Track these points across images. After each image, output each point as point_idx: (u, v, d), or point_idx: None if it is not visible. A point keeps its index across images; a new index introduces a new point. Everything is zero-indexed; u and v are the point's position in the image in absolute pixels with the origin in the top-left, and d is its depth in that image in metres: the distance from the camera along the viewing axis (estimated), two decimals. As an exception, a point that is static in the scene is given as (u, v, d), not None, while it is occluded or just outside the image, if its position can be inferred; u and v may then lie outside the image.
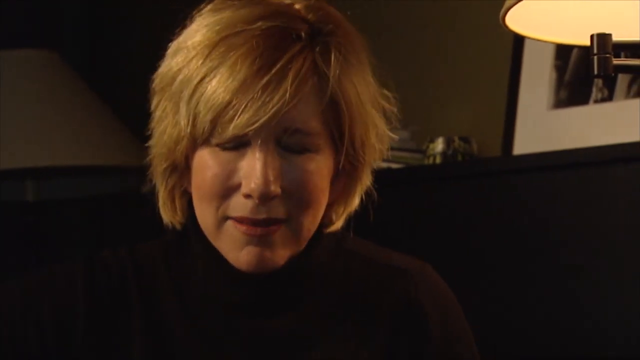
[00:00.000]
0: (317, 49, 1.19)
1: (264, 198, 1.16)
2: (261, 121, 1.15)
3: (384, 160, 2.04)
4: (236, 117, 1.14)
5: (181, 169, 1.23)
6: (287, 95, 1.15)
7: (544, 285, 1.83)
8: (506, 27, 1.21)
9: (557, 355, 1.81)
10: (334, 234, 1.28)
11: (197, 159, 1.19)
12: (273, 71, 1.15)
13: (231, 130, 1.15)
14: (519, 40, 2.06)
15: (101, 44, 3.00)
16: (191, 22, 1.23)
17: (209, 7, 1.23)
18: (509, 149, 2.03)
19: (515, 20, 1.20)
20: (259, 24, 1.18)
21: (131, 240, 1.31)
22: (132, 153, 2.45)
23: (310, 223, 1.21)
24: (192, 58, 1.18)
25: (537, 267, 1.84)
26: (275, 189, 1.17)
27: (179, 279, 1.26)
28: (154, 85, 1.23)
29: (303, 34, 1.18)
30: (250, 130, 1.15)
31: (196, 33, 1.20)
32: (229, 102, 1.15)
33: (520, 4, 1.15)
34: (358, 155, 1.23)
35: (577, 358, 1.79)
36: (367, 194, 1.27)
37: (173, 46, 1.22)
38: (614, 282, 1.75)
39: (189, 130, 1.17)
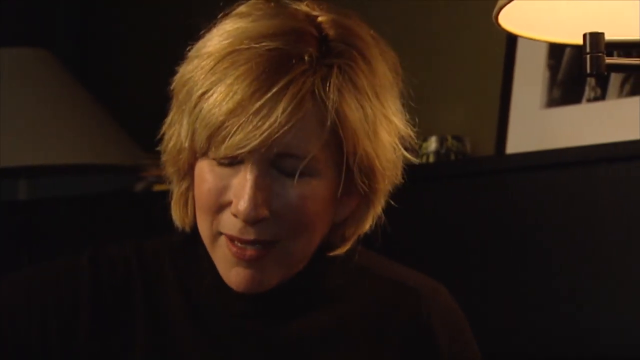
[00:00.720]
0: (319, 73, 1.16)
1: (250, 220, 1.15)
2: (251, 145, 1.13)
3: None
4: (228, 139, 1.13)
5: (190, 176, 1.22)
6: (278, 121, 1.13)
7: (537, 284, 1.83)
8: (499, 26, 1.21)
9: (546, 355, 1.82)
10: (346, 251, 1.26)
11: (197, 170, 1.19)
12: (268, 95, 1.13)
13: (223, 150, 1.14)
14: (512, 40, 2.06)
15: (93, 42, 2.99)
16: (215, 24, 1.21)
17: (235, 10, 1.21)
18: (502, 148, 2.03)
19: (508, 19, 1.20)
20: (264, 43, 1.15)
21: (123, 238, 1.30)
22: (125, 152, 2.45)
23: (305, 246, 1.19)
24: (201, 68, 1.17)
25: (530, 265, 1.84)
26: (262, 212, 1.15)
27: (186, 280, 1.25)
28: (172, 88, 1.22)
29: (306, 57, 1.15)
30: (242, 153, 1.14)
31: (211, 41, 1.19)
32: (223, 123, 1.13)
33: (513, 3, 1.15)
34: (365, 181, 1.19)
35: (567, 358, 1.80)
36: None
37: (193, 50, 1.21)
38: (606, 281, 1.76)
39: (187, 144, 1.17)
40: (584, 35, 1.12)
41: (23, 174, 2.63)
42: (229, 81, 1.14)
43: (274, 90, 1.13)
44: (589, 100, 1.96)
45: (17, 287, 1.25)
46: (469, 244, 1.91)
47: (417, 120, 1.23)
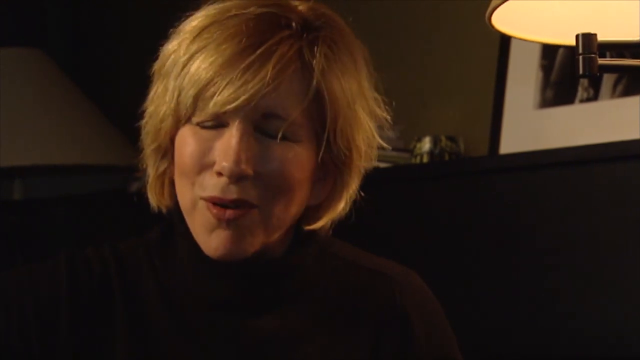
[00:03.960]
0: (305, 39, 1.19)
1: (234, 177, 1.17)
2: (240, 100, 1.15)
3: (372, 159, 2.05)
4: (217, 94, 1.15)
5: (170, 154, 1.23)
6: (268, 77, 1.15)
7: (530, 284, 1.83)
8: (492, 27, 1.21)
9: (541, 355, 1.82)
10: (318, 237, 1.28)
11: (179, 137, 1.20)
12: (258, 52, 1.16)
13: (211, 107, 1.16)
14: (505, 40, 2.06)
15: (86, 42, 2.99)
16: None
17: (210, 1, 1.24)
18: (496, 148, 2.04)
19: (502, 20, 1.21)
20: (252, 9, 1.19)
21: (118, 238, 1.30)
22: (118, 152, 2.45)
23: (282, 212, 1.20)
24: (184, 39, 1.20)
25: (523, 264, 1.84)
26: (246, 168, 1.17)
27: (163, 277, 1.26)
28: (152, 71, 1.24)
29: (294, 24, 1.19)
30: (230, 109, 1.16)
31: (194, 19, 1.22)
32: (211, 79, 1.16)
33: (506, 4, 1.15)
34: (343, 155, 1.22)
35: (562, 357, 1.80)
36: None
37: (175, 32, 1.24)
38: (599, 280, 1.76)
39: (172, 106, 1.19)
40: (577, 36, 1.12)
41: (17, 174, 2.63)
42: (217, 41, 1.17)
43: (263, 48, 1.16)
44: (581, 101, 1.97)
45: None
46: (462, 243, 1.91)
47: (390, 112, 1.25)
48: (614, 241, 1.74)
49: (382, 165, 2.07)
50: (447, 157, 2.09)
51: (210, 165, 1.18)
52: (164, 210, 1.26)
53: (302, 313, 1.25)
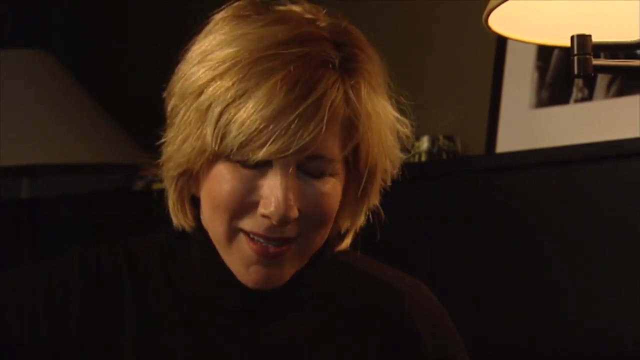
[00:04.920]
0: (348, 81, 1.17)
1: (283, 222, 1.16)
2: (292, 150, 1.14)
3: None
4: (268, 143, 1.13)
5: (194, 178, 1.21)
6: (321, 126, 1.14)
7: (527, 281, 1.83)
8: (489, 28, 1.21)
9: (539, 350, 1.82)
10: (331, 246, 1.27)
11: (215, 171, 1.18)
12: (310, 101, 1.14)
13: (261, 155, 1.14)
14: (501, 42, 2.07)
15: (91, 43, 2.98)
16: (211, 27, 1.21)
17: (231, 12, 1.21)
18: (492, 147, 2.04)
19: (498, 21, 1.21)
20: (294, 49, 1.16)
21: (123, 235, 1.31)
22: (124, 151, 2.45)
23: (320, 241, 1.21)
24: (224, 73, 1.16)
25: (520, 261, 1.84)
26: (294, 213, 1.16)
27: (175, 279, 1.25)
28: (173, 88, 1.21)
29: (334, 63, 1.17)
30: (281, 157, 1.14)
31: (224, 45, 1.18)
32: (264, 129, 1.13)
33: (502, 6, 1.15)
34: (371, 179, 1.22)
35: (560, 352, 1.80)
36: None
37: (195, 52, 1.20)
38: (595, 277, 1.76)
39: (214, 144, 1.15)
40: (572, 38, 1.12)
41: (25, 173, 2.62)
42: (266, 87, 1.14)
43: (314, 96, 1.14)
44: (576, 101, 1.97)
45: (7, 288, 1.25)
46: (460, 241, 1.91)
47: (411, 118, 1.24)
48: (609, 238, 1.75)
49: (381, 164, 2.10)
50: (444, 156, 2.10)
51: (253, 204, 1.17)
52: (187, 229, 1.23)
53: (311, 321, 1.25)
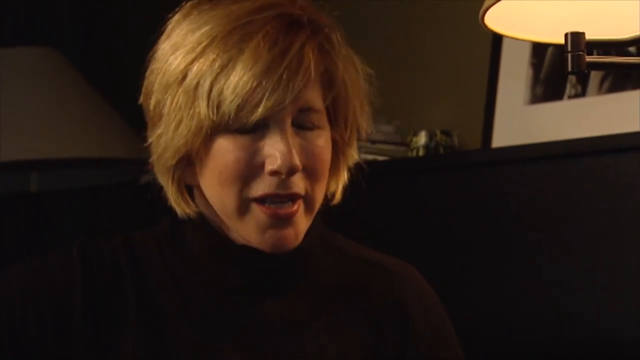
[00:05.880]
0: (319, 36, 1.22)
1: (291, 172, 1.19)
2: (287, 100, 1.18)
3: (370, 153, 2.09)
4: (264, 100, 1.17)
5: (186, 163, 1.24)
6: (309, 73, 1.18)
7: (523, 275, 1.83)
8: (485, 26, 1.22)
9: (533, 343, 1.83)
10: (321, 230, 1.30)
11: (215, 146, 1.20)
12: (293, 52, 1.18)
13: (260, 112, 1.17)
14: (497, 39, 2.07)
15: (99, 41, 2.97)
16: (173, 25, 1.24)
17: (188, 9, 1.23)
18: (488, 142, 2.05)
19: (494, 19, 1.22)
20: (266, 13, 1.20)
21: (129, 228, 1.33)
22: (129, 145, 2.45)
23: (320, 196, 1.24)
24: (203, 51, 1.19)
25: (515, 255, 1.85)
26: (299, 163, 1.19)
27: (173, 265, 1.28)
28: (151, 87, 1.23)
29: (305, 20, 1.21)
30: (279, 110, 1.18)
31: (194, 30, 1.20)
32: (257, 86, 1.17)
33: (498, 4, 1.17)
34: (350, 133, 1.26)
35: (559, 347, 1.80)
36: (352, 184, 1.30)
37: (164, 49, 1.22)
38: (590, 272, 1.77)
39: (211, 117, 1.18)
40: (566, 35, 1.13)
41: (34, 167, 2.62)
42: (250, 48, 1.17)
43: (295, 48, 1.18)
44: (570, 97, 1.98)
45: (11, 281, 1.26)
46: (457, 234, 1.91)
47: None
48: (606, 231, 1.75)
49: (380, 158, 2.09)
50: (442, 151, 2.10)
51: (259, 166, 1.20)
52: (192, 215, 1.25)
53: (305, 300, 1.28)
